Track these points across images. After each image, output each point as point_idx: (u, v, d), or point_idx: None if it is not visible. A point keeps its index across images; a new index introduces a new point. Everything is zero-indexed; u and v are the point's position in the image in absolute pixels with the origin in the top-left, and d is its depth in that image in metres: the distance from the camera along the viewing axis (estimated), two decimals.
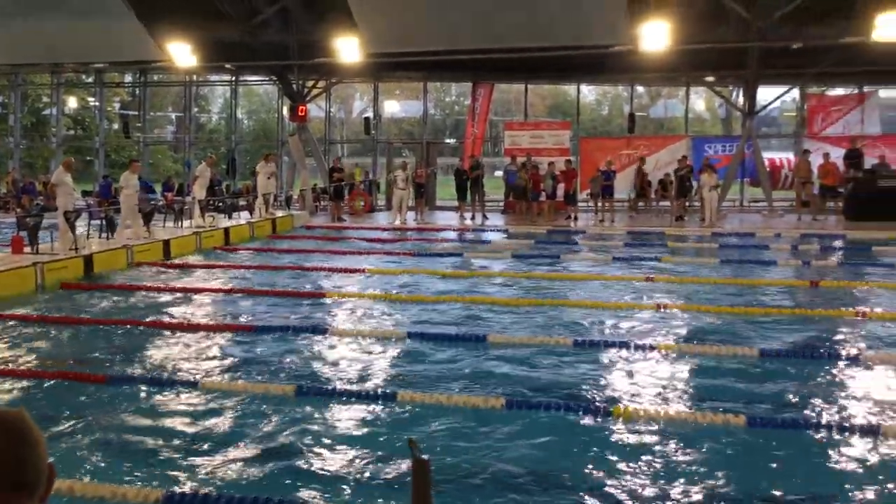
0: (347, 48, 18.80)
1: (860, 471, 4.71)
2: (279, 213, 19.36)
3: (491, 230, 18.40)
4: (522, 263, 12.98)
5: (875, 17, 16.25)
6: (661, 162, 22.59)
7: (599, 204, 20.23)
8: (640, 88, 27.59)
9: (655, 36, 17.08)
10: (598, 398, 6.03)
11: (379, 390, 6.10)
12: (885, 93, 23.37)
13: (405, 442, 4.90)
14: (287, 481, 4.59)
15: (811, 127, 22.48)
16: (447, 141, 32.87)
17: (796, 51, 19.25)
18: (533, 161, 21.17)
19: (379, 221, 20.85)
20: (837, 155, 20.36)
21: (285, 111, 25.12)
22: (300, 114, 22.74)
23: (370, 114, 26.59)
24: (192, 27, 19.33)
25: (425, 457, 2.07)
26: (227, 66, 24.63)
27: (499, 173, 27.09)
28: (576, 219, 20.05)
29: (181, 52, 19.59)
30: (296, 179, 23.83)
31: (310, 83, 23.48)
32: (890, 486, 4.49)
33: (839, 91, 23.42)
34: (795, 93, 23.20)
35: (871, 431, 5.24)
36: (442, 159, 27.46)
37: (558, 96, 40.65)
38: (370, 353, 7.31)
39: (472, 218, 20.52)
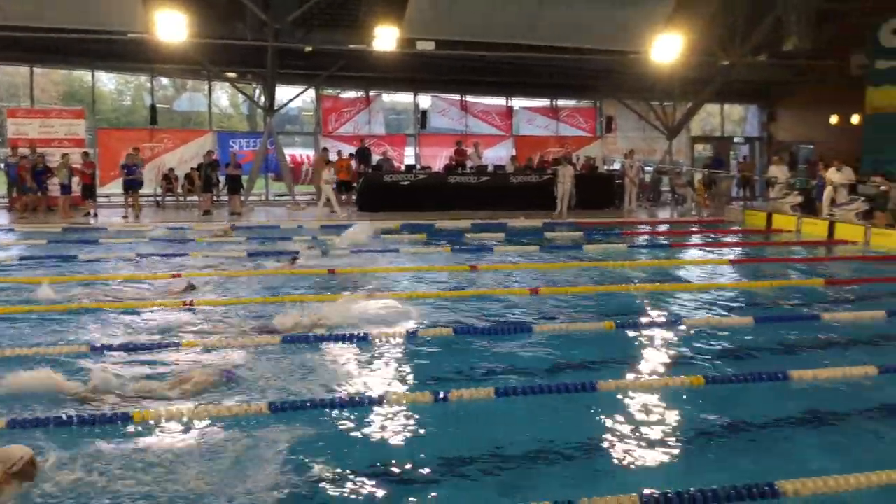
0: None
1: (375, 438, 5.24)
2: None
3: None
4: (34, 265, 11.70)
5: (375, 28, 18.18)
6: (186, 156, 22.28)
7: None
8: (164, 80, 26.77)
9: (172, 26, 16.72)
10: (120, 404, 5.73)
11: None
12: (387, 97, 26.22)
13: None
14: None
15: (326, 126, 24.23)
16: None
17: (310, 54, 20.57)
18: (39, 152, 19.20)
19: None
20: (350, 152, 22.32)
21: None
22: None
23: None
24: None
25: None
26: None
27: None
28: (95, 215, 18.70)
29: None
30: None
31: None
32: (382, 444, 5.09)
33: (350, 94, 25.60)
34: (313, 93, 24.72)
35: (378, 401, 5.86)
36: None
37: (74, 83, 37.22)
38: None
39: None
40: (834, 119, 23.10)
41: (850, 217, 16.78)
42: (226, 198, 20.38)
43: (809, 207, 18.34)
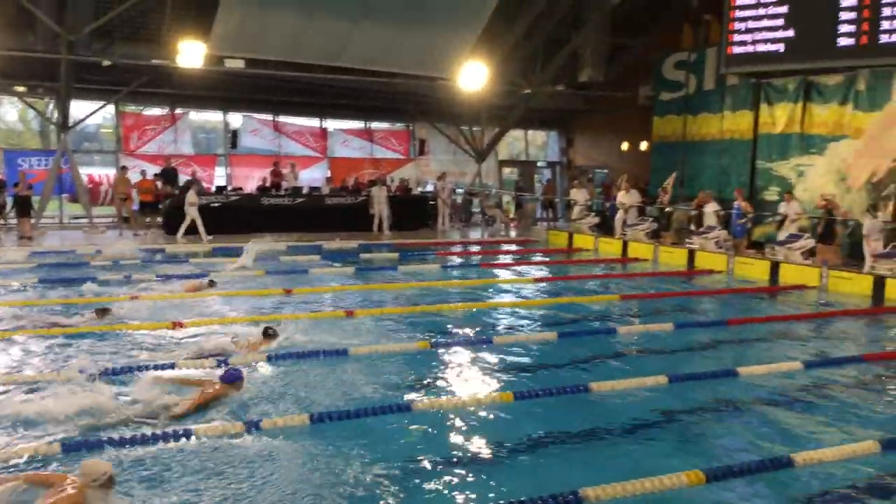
0: None
1: (184, 472, 5.02)
2: None
3: None
4: None
5: (178, 43, 17.48)
6: None
7: None
8: None
9: None
10: None
11: None
12: (195, 115, 25.26)
13: None
14: None
15: (128, 144, 22.92)
16: None
17: (110, 68, 19.39)
18: None
19: None
20: (154, 172, 21.27)
21: None
22: None
23: None
24: None
25: None
26: None
27: None
28: None
29: None
30: None
31: None
32: (190, 477, 4.91)
33: (156, 111, 24.41)
34: (113, 109, 23.32)
35: (186, 434, 5.62)
36: None
37: None
38: None
39: None
40: (625, 146, 24.96)
41: (640, 236, 18.19)
42: (14, 221, 18.72)
43: (605, 227, 19.70)
